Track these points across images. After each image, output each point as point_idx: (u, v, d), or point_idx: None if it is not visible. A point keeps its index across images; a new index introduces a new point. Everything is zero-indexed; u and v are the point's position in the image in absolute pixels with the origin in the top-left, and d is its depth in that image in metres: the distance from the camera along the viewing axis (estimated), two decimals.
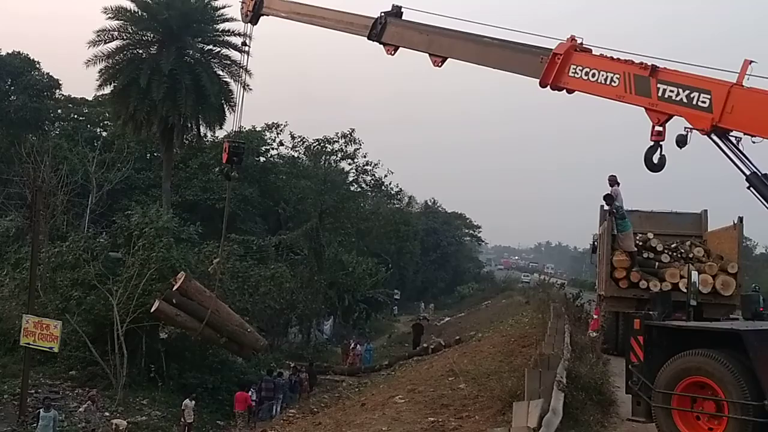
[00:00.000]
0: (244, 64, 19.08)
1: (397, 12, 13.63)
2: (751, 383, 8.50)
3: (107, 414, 22.81)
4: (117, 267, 28.37)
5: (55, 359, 25.84)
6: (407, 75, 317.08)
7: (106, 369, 25.62)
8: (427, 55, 12.77)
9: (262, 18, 17.69)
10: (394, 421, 12.92)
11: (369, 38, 13.70)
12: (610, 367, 14.38)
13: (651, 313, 10.71)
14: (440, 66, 12.70)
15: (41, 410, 19.99)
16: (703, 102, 9.34)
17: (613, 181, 18.33)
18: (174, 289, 25.33)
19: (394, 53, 13.60)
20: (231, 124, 42.66)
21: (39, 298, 25.68)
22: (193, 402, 23.48)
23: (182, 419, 23.11)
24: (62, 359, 26.30)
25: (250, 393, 25.81)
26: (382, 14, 13.61)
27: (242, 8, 17.87)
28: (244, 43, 18.61)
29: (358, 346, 38.07)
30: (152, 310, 25.22)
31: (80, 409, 22.11)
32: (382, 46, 13.68)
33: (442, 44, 12.64)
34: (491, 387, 13.36)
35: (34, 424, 20.03)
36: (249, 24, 18.25)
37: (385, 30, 13.50)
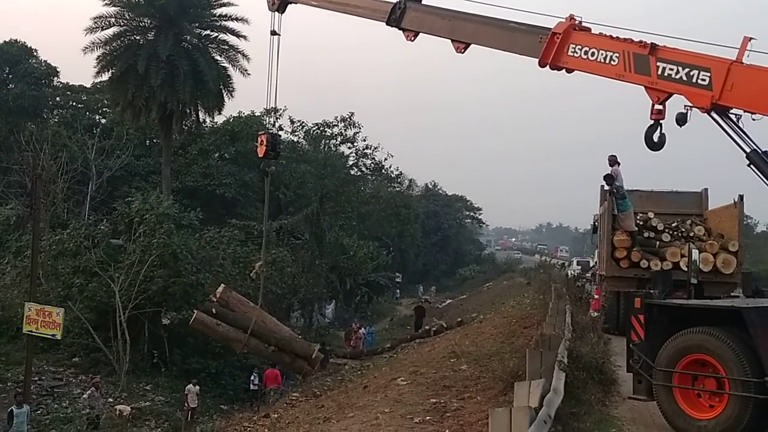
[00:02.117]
0: (274, 51, 18.44)
1: None
2: (752, 360, 8.53)
3: (111, 400, 22.92)
4: (118, 254, 28.36)
5: (58, 346, 25.94)
6: (408, 61, 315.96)
7: (109, 355, 25.76)
8: (450, 41, 12.17)
9: (289, 7, 16.88)
10: (397, 402, 12.94)
11: (388, 24, 13.16)
12: (611, 346, 14.41)
13: (652, 292, 10.72)
14: (463, 52, 12.09)
15: (14, 407, 18.90)
16: (703, 80, 9.31)
17: (613, 161, 18.28)
18: (215, 300, 24.80)
19: (414, 39, 13.04)
20: (230, 110, 42.90)
21: (41, 286, 25.73)
22: (197, 387, 23.54)
23: (186, 404, 23.21)
24: (65, 346, 26.44)
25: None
26: None
27: None
28: (273, 32, 18.17)
29: (361, 329, 38.21)
30: (190, 322, 24.63)
31: (84, 396, 22.12)
32: (401, 32, 13.09)
33: (466, 30, 12.06)
34: (493, 368, 13.40)
35: (11, 422, 18.68)
36: (276, 12, 17.35)
37: (404, 15, 12.95)
